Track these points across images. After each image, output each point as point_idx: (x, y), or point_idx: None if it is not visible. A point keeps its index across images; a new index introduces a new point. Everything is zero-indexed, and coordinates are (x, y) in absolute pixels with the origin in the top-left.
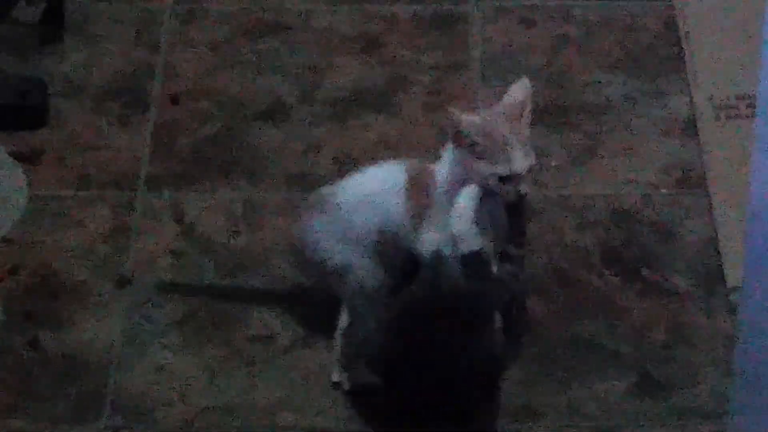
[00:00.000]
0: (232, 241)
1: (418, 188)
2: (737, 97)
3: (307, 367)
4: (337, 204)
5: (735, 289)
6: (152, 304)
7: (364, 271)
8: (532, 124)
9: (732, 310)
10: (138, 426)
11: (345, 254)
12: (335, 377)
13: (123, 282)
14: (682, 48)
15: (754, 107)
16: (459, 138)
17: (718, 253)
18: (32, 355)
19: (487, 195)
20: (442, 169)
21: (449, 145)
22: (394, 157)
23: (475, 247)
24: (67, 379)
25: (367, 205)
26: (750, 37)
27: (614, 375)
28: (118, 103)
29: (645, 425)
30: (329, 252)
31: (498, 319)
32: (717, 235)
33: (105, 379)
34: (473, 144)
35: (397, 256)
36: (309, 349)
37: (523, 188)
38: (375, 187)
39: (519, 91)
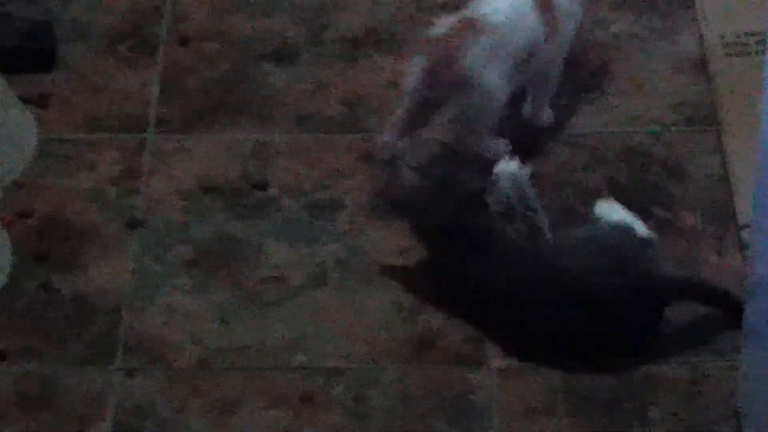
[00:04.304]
0: (241, 182)
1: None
2: (747, 34)
3: (318, 307)
4: (500, 23)
5: (746, 226)
6: (163, 246)
7: (500, 91)
8: None
9: (743, 246)
10: (151, 367)
11: (493, 73)
12: None
13: (134, 224)
14: None
15: (764, 44)
16: None
17: (729, 190)
18: (44, 297)
19: None
20: None
21: None
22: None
23: None
24: (79, 322)
25: (520, 22)
26: None
27: None
28: (126, 45)
29: None
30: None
31: None
32: (727, 172)
33: (117, 321)
34: None
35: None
36: (320, 289)
37: None
38: (518, 7)
39: None
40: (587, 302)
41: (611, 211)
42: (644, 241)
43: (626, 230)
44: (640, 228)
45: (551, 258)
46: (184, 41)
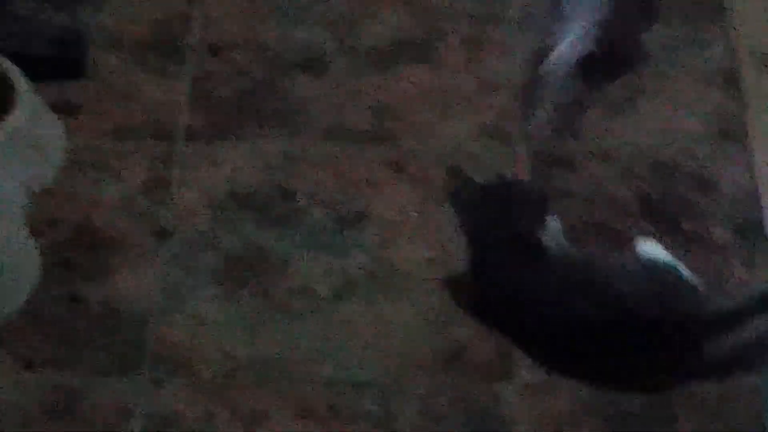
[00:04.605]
0: (270, 192)
1: None
2: None
3: (346, 320)
4: None
5: None
6: (191, 256)
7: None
8: None
9: None
10: (178, 378)
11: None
12: None
13: (163, 234)
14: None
15: None
16: None
17: (760, 206)
18: (72, 307)
19: None
20: None
21: None
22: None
23: None
24: (107, 332)
25: None
26: None
27: None
28: (156, 53)
29: None
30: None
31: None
32: (758, 188)
33: (145, 331)
34: None
35: None
36: (348, 301)
37: None
38: None
39: None
40: (634, 328)
41: (655, 251)
42: (690, 284)
43: (672, 271)
44: (685, 270)
45: (603, 279)
46: (213, 50)
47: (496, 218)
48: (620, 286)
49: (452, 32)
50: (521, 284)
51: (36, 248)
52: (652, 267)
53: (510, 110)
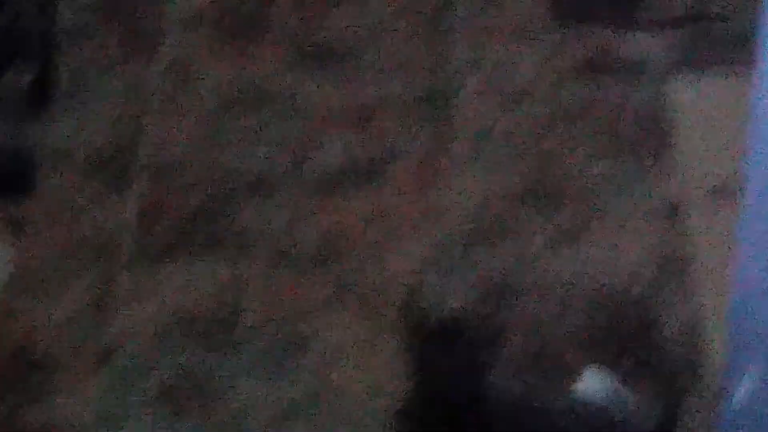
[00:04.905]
0: (214, 314)
1: None
2: (723, 180)
3: None
4: None
5: (717, 372)
6: (132, 380)
7: None
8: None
9: (716, 396)
10: None
11: None
12: None
13: (104, 356)
14: (669, 132)
15: (741, 191)
16: None
17: (701, 336)
18: (10, 428)
19: None
20: None
21: None
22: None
23: None
24: None
25: None
26: (736, 123)
27: None
28: (104, 173)
29: None
30: None
31: None
32: (699, 319)
33: None
34: None
35: None
36: (290, 425)
37: None
38: None
39: None
40: None
41: (598, 382)
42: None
43: (618, 400)
44: (629, 399)
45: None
46: (161, 171)
47: (443, 350)
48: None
49: (400, 158)
50: (466, 417)
51: None
52: (594, 400)
53: (456, 238)
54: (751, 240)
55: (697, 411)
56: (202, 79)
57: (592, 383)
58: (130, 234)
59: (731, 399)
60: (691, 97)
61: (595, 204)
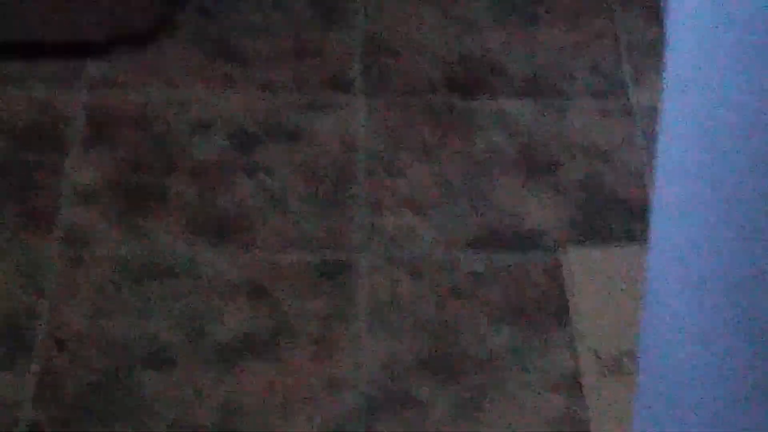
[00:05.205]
0: None
1: None
2: (622, 353)
3: None
4: None
5: None
6: None
7: None
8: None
9: None
10: None
11: None
12: None
13: None
14: (567, 301)
15: (636, 362)
16: None
17: None
18: None
19: None
20: None
21: None
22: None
23: None
24: None
25: None
26: (635, 292)
27: None
28: (1, 346)
29: None
30: None
31: None
32: None
33: None
34: None
35: None
36: None
37: None
38: None
39: None
40: None
41: None
42: None
43: None
44: None
45: None
46: (60, 344)
47: None
48: None
49: (298, 330)
50: None
51: None
52: None
53: (355, 411)
54: (645, 415)
55: None
56: (98, 252)
57: None
58: (27, 409)
59: None
60: (588, 268)
61: (494, 376)
